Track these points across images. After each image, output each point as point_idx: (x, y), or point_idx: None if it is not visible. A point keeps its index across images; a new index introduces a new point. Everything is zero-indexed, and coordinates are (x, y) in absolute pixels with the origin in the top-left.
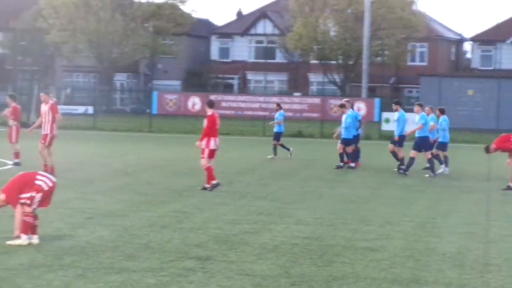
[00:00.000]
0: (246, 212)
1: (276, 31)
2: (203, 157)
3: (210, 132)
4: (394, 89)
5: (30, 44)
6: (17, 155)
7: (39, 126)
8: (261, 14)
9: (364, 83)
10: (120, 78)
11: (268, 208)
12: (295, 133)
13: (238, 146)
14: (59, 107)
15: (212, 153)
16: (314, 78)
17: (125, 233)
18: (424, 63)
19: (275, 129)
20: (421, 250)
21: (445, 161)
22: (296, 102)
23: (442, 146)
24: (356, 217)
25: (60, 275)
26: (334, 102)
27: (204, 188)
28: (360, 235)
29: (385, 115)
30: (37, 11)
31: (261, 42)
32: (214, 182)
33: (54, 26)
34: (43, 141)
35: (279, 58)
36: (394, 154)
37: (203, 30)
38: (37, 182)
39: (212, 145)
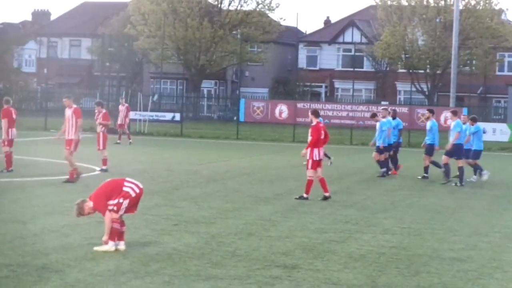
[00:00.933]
0: (333, 221)
1: (364, 40)
2: (308, 168)
3: (316, 142)
4: (482, 99)
5: (118, 51)
6: (105, 161)
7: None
8: (349, 22)
9: (452, 93)
10: (208, 85)
11: (355, 217)
12: None
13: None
14: (147, 113)
15: (316, 164)
16: (402, 87)
17: (211, 241)
18: None
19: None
20: (509, 261)
21: (474, 170)
22: None
23: (476, 154)
24: (443, 227)
25: (146, 281)
26: (422, 111)
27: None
28: (447, 245)
29: None
30: (125, 17)
31: (349, 50)
32: (305, 195)
33: (142, 33)
34: (68, 147)
35: (367, 66)
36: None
37: (291, 38)
38: (125, 188)
39: (315, 155)
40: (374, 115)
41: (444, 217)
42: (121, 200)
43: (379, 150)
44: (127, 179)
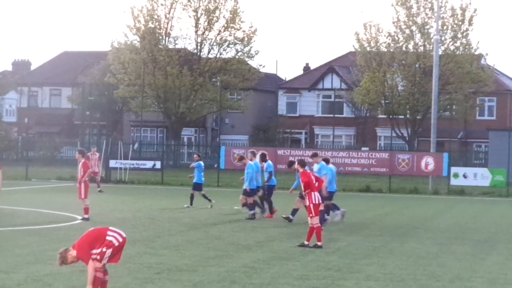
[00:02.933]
0: (315, 268)
1: (344, 86)
2: (311, 216)
3: (311, 185)
4: (463, 144)
5: (98, 99)
6: (86, 210)
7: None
8: (329, 68)
9: (433, 138)
10: (188, 133)
11: (337, 264)
12: (364, 188)
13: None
14: (128, 161)
15: (317, 208)
16: (382, 132)
17: None
18: (493, 118)
19: (195, 180)
20: None
21: (331, 209)
22: (364, 157)
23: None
24: (425, 272)
25: None
26: (402, 157)
27: (318, 246)
28: None
29: (454, 169)
30: (105, 66)
31: (328, 96)
32: (316, 243)
33: (122, 81)
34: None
35: (347, 112)
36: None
37: (270, 85)
38: (108, 237)
39: (314, 199)
40: (241, 158)
41: (426, 262)
42: (104, 249)
43: (246, 193)
44: (111, 228)
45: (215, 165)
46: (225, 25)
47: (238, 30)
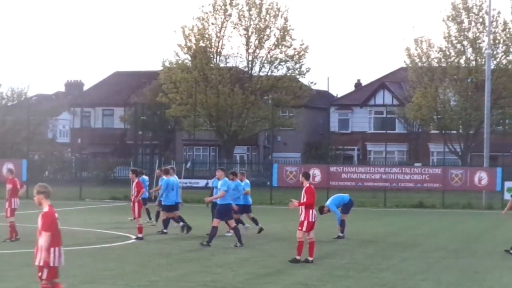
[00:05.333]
0: (369, 284)
1: (395, 102)
2: (300, 229)
3: (312, 204)
4: None
5: (150, 119)
6: (140, 229)
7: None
8: (380, 84)
9: (486, 153)
10: (240, 151)
11: (392, 280)
12: (417, 203)
13: (359, 218)
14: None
15: (311, 226)
16: (435, 148)
17: None
18: None
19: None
20: None
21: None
22: (417, 173)
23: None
24: (481, 287)
25: None
26: (455, 172)
27: (296, 261)
28: None
29: (507, 184)
30: (157, 86)
31: (380, 112)
32: (298, 257)
33: (174, 101)
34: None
35: (399, 128)
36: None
37: (322, 102)
38: None
39: (311, 217)
40: (166, 172)
41: (481, 277)
42: None
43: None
44: None
45: (268, 183)
46: (276, 43)
47: (289, 47)
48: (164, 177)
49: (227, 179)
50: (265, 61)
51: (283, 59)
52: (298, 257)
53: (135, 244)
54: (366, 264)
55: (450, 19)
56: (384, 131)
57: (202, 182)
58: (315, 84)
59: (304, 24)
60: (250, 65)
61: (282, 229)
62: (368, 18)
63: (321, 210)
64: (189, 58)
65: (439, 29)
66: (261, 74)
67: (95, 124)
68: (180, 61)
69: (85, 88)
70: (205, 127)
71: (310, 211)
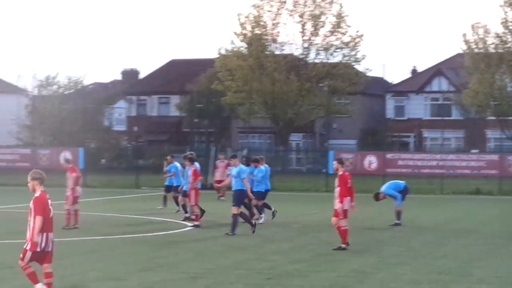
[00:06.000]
0: (426, 272)
1: (452, 88)
2: (340, 218)
3: (345, 191)
4: None
5: (206, 106)
6: (197, 217)
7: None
8: (436, 71)
9: None
10: (296, 138)
11: (449, 267)
12: (473, 190)
13: (415, 205)
14: None
15: (346, 213)
16: (492, 134)
17: None
18: None
19: (174, 183)
20: None
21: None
22: (473, 159)
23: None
24: None
25: None
26: None
27: (341, 248)
28: None
29: None
30: (212, 73)
31: (436, 99)
32: (343, 245)
33: (230, 88)
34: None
35: (455, 115)
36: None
37: (378, 89)
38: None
39: (346, 204)
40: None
41: None
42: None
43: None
44: None
45: (323, 170)
46: (331, 30)
47: (344, 34)
48: (176, 163)
49: (242, 165)
50: (321, 48)
51: (339, 46)
52: (343, 245)
53: (191, 232)
54: (422, 251)
55: (507, 4)
56: (440, 118)
57: None
58: (370, 70)
59: (360, 10)
60: (305, 52)
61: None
62: (424, 4)
63: (377, 197)
64: (245, 46)
65: (496, 14)
66: (316, 61)
67: (151, 112)
68: (235, 49)
69: (141, 76)
70: (260, 115)
71: (344, 198)
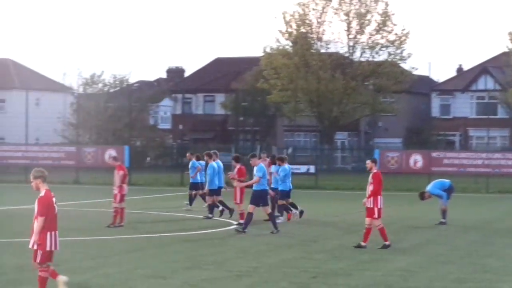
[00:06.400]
0: (472, 270)
1: (497, 87)
2: (374, 218)
3: (378, 190)
4: None
5: (251, 105)
6: (242, 216)
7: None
8: (482, 69)
9: None
10: (341, 137)
11: (494, 267)
12: None
13: (461, 204)
14: None
15: (380, 212)
16: None
17: None
18: None
19: (191, 180)
20: None
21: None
22: None
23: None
24: None
25: None
26: None
27: (385, 246)
28: None
29: None
30: (258, 72)
31: (482, 98)
32: (387, 242)
33: (275, 87)
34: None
35: (501, 113)
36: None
37: (423, 87)
38: None
39: (380, 203)
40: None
41: None
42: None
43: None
44: None
45: None
46: (377, 28)
47: (390, 33)
48: (194, 160)
49: (262, 164)
50: (366, 47)
51: (384, 44)
52: (386, 243)
53: (237, 230)
54: (468, 250)
55: None
56: (486, 116)
57: (303, 168)
58: (416, 69)
59: (406, 8)
60: (351, 51)
61: (383, 215)
62: (470, 1)
63: (422, 196)
64: (290, 44)
65: None
66: (362, 59)
67: (196, 110)
68: (281, 47)
69: (186, 74)
70: (305, 113)
71: (378, 197)
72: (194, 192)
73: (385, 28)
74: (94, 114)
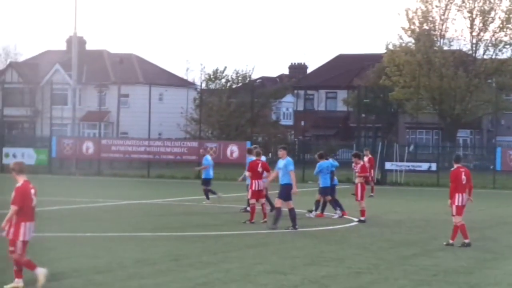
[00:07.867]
0: None
1: None
2: (453, 215)
3: (455, 188)
4: None
5: (373, 102)
6: (363, 212)
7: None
8: None
9: None
10: (463, 135)
11: None
12: None
13: None
14: (403, 163)
15: (460, 209)
16: None
17: None
18: None
19: (203, 175)
20: None
21: (322, 206)
22: None
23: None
24: None
25: None
26: None
27: (465, 244)
28: None
29: None
30: (380, 69)
31: None
32: (466, 241)
33: (398, 84)
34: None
35: None
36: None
37: None
38: None
39: (458, 201)
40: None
41: None
42: None
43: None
44: None
45: (491, 167)
46: (501, 25)
47: None
48: (208, 156)
49: (289, 158)
50: (489, 44)
51: (508, 42)
52: (466, 240)
53: (357, 227)
54: None
55: None
56: None
57: (424, 166)
58: None
59: None
60: (474, 48)
61: (504, 213)
62: None
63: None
64: (413, 41)
65: None
66: (485, 57)
67: (318, 107)
68: (403, 44)
69: (309, 71)
70: (428, 110)
71: (456, 195)
72: (204, 187)
73: (509, 25)
74: (217, 109)
